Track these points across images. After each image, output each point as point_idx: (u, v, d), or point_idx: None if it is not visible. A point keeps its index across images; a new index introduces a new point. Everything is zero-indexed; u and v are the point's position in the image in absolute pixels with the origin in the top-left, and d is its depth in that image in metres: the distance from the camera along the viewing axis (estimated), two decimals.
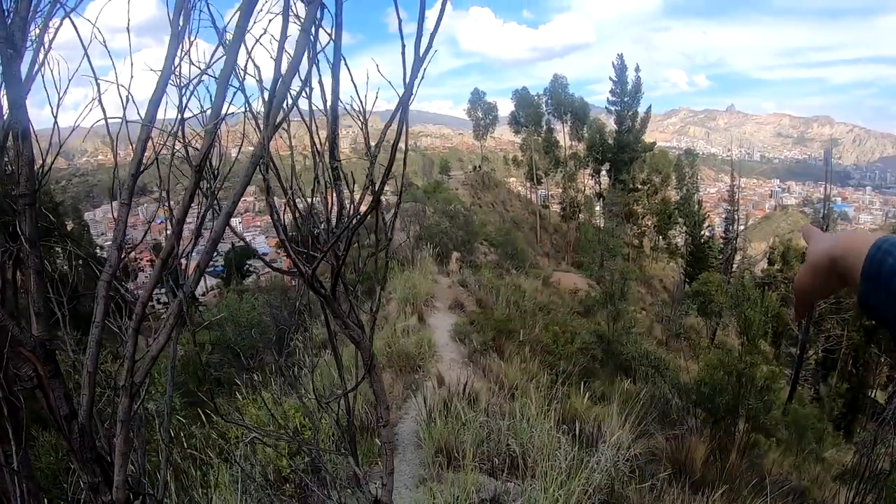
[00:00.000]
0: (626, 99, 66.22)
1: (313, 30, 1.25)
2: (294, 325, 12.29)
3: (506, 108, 73.56)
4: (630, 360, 19.51)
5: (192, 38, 1.46)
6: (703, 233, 63.22)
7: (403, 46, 1.22)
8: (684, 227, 65.53)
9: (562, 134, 71.10)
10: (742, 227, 68.12)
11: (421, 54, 1.23)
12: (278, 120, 1.31)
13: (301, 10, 1.26)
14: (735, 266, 59.35)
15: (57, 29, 1.52)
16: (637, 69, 66.90)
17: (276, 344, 12.14)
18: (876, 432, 6.68)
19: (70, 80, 1.61)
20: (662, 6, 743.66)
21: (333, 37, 1.33)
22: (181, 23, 1.38)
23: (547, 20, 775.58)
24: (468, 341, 11.32)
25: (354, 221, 1.43)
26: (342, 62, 1.41)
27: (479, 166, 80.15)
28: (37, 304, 1.32)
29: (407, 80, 1.27)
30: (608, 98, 67.55)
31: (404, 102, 1.31)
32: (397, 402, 7.58)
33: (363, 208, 1.50)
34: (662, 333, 33.32)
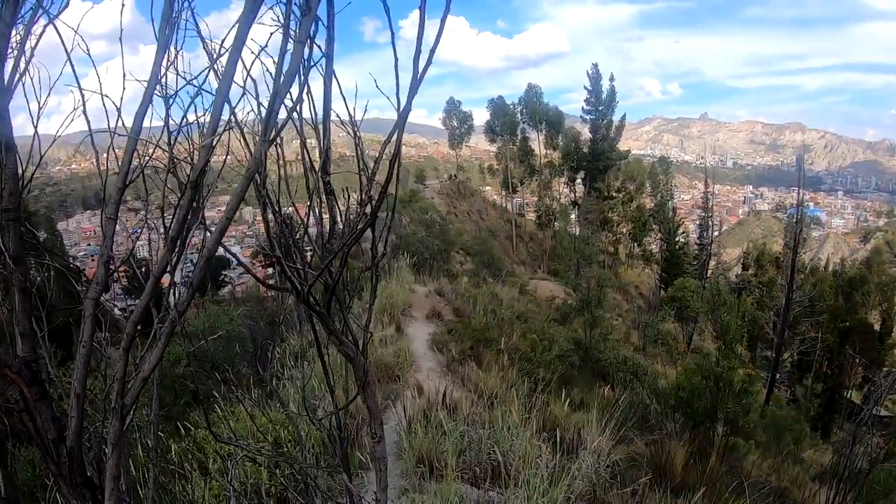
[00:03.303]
0: (600, 108, 66.67)
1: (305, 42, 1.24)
2: (272, 337, 12.20)
3: (481, 117, 73.75)
4: (608, 366, 19.61)
5: (178, 49, 1.43)
6: (677, 239, 63.87)
7: (396, 60, 1.21)
8: (659, 234, 66.25)
9: (537, 143, 71.38)
10: (716, 233, 69.05)
11: (419, 74, 1.21)
12: (271, 135, 1.28)
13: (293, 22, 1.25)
14: (710, 271, 60.11)
15: (39, 36, 1.49)
16: (612, 78, 67.54)
17: (253, 356, 12.03)
18: (854, 432, 6.77)
19: (51, 89, 1.59)
20: (636, 16, 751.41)
21: (325, 50, 1.32)
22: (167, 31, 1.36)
23: (521, 30, 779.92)
24: (446, 350, 11.30)
25: (351, 239, 1.41)
26: (333, 76, 1.40)
27: (455, 175, 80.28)
28: (21, 324, 1.27)
29: (403, 102, 1.25)
30: (583, 107, 68.01)
31: (400, 124, 1.30)
32: None
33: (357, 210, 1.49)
34: (639, 339, 33.51)
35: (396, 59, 1.23)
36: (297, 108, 1.36)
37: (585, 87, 67.51)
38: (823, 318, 40.45)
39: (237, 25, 1.11)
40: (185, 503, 4.73)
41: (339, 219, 1.56)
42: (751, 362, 39.52)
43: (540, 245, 70.85)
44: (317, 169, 1.55)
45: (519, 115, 70.36)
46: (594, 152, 66.81)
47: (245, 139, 1.44)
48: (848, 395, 43.40)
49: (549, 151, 71.49)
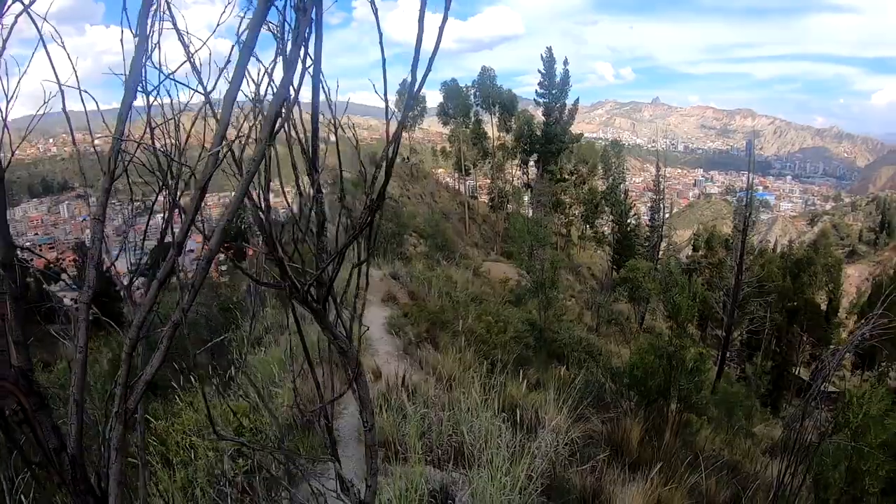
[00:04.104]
0: (554, 91, 66.66)
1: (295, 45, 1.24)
2: (227, 324, 12.08)
3: (434, 99, 73.22)
4: (563, 346, 19.84)
5: (156, 43, 1.41)
6: (629, 221, 64.83)
7: (384, 61, 1.22)
8: (611, 216, 67.05)
9: (490, 125, 71.27)
10: (667, 216, 70.09)
11: (417, 85, 1.21)
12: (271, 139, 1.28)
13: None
14: (661, 253, 61.17)
15: (11, 26, 1.46)
16: (565, 62, 67.46)
17: (209, 344, 11.93)
18: (804, 407, 7.00)
19: (20, 81, 1.56)
20: (591, 0, 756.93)
21: (314, 54, 1.33)
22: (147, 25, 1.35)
23: (476, 12, 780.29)
24: (403, 334, 11.36)
25: (348, 241, 1.43)
26: (320, 79, 1.41)
27: (408, 158, 79.97)
28: (15, 332, 1.24)
29: (394, 124, 1.26)
30: (537, 90, 67.84)
31: (397, 138, 1.31)
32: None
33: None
34: (592, 320, 34.01)
35: (384, 60, 1.25)
36: (291, 112, 1.37)
37: (539, 71, 67.46)
38: (772, 299, 41.66)
39: (246, 31, 1.12)
40: (149, 495, 4.69)
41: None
42: (702, 341, 40.49)
43: (493, 227, 71.12)
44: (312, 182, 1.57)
45: (472, 97, 70.04)
46: (547, 135, 66.97)
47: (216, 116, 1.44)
48: (796, 372, 44.95)
49: (502, 134, 71.46)
